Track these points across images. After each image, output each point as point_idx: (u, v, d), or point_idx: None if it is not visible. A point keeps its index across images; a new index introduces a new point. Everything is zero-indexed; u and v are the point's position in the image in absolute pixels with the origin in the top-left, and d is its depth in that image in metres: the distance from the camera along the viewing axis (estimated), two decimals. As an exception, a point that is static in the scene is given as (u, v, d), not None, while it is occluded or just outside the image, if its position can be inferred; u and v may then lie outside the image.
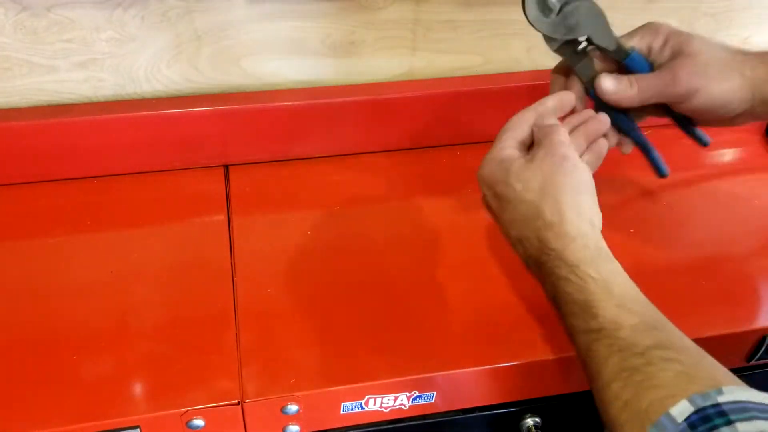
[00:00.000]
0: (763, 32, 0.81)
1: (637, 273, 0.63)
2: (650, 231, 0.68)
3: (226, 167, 0.73)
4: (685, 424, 0.36)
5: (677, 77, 0.53)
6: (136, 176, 0.71)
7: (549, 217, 0.48)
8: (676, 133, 0.60)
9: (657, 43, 0.55)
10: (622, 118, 0.57)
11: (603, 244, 0.48)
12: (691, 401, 0.37)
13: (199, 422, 0.52)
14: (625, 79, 0.55)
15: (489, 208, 0.53)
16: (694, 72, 0.52)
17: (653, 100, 0.54)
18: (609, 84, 0.55)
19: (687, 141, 0.79)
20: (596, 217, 0.49)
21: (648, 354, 0.41)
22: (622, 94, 0.54)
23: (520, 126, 0.53)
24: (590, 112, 0.55)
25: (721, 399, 0.36)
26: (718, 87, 0.52)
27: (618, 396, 0.41)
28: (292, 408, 0.53)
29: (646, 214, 0.71)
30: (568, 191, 0.48)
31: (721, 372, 0.40)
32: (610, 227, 0.68)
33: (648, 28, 0.56)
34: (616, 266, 0.48)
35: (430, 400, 0.56)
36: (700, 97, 0.53)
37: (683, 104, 0.54)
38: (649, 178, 0.72)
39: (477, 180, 0.53)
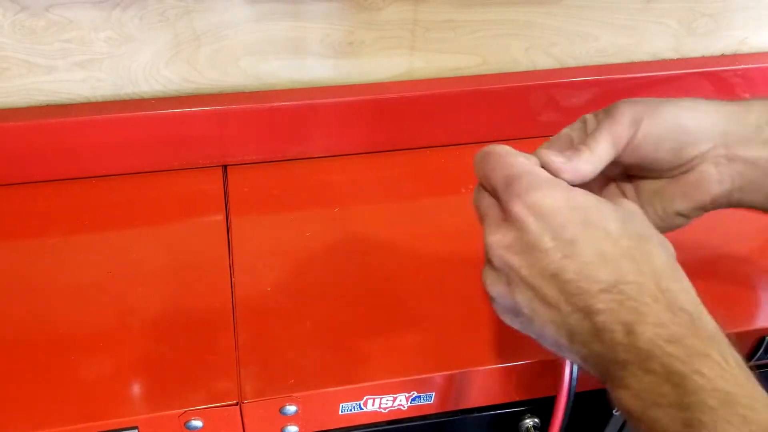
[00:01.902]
0: (761, 33, 0.81)
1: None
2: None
3: (225, 167, 0.73)
4: None
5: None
6: (135, 176, 0.71)
7: (666, 264, 0.38)
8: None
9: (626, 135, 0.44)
10: None
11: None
12: None
13: (197, 423, 0.52)
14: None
15: (528, 246, 0.38)
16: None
17: None
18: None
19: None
20: None
21: None
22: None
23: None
24: None
25: None
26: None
27: None
28: (291, 408, 0.53)
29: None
30: (670, 246, 0.40)
31: None
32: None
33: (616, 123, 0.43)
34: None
35: (429, 401, 0.56)
36: None
37: None
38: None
39: (513, 209, 0.39)
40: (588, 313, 0.37)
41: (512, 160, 0.41)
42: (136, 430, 0.51)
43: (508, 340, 0.57)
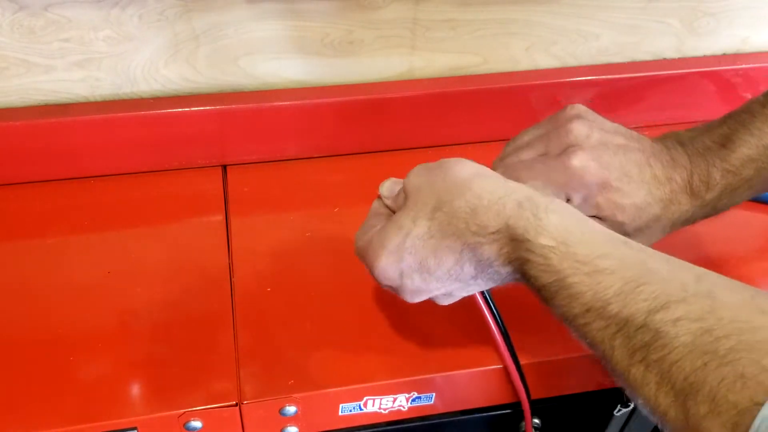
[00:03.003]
0: (763, 32, 0.81)
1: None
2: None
3: (224, 167, 0.73)
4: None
5: None
6: (134, 176, 0.71)
7: (465, 203, 0.41)
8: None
9: (578, 198, 0.48)
10: None
11: (533, 192, 0.41)
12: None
13: (196, 424, 0.52)
14: None
15: (428, 281, 0.45)
16: (625, 230, 0.49)
17: None
18: None
19: (687, 141, 0.79)
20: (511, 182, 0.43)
21: (650, 323, 0.34)
22: None
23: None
24: None
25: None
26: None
27: (644, 380, 0.35)
28: (291, 409, 0.53)
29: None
30: (454, 170, 0.43)
31: (748, 293, 0.34)
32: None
33: (570, 176, 0.48)
34: (563, 213, 0.40)
35: (429, 402, 0.56)
36: None
37: None
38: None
39: (382, 281, 0.46)
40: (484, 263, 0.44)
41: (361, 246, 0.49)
42: (136, 431, 0.51)
43: (508, 341, 0.57)
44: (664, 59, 0.80)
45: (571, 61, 0.78)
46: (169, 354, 0.55)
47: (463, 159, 0.44)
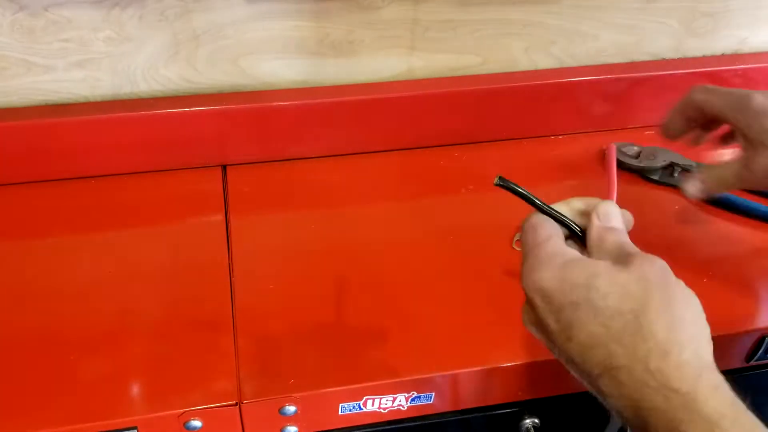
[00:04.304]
0: (761, 33, 0.81)
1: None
2: (650, 231, 0.68)
3: (224, 167, 0.73)
4: None
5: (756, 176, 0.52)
6: (134, 176, 0.71)
7: (663, 337, 0.35)
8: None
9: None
10: None
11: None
12: None
13: (196, 423, 0.52)
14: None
15: (541, 324, 0.40)
16: None
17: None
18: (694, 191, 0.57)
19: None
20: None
21: None
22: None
23: (552, 223, 0.42)
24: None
25: None
26: None
27: None
28: (290, 409, 0.53)
29: (646, 213, 0.70)
30: (682, 304, 0.37)
31: None
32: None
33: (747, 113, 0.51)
34: (754, 418, 0.35)
35: (429, 401, 0.56)
36: None
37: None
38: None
39: (524, 289, 0.40)
40: (599, 393, 0.38)
41: (530, 235, 0.41)
42: (136, 431, 0.51)
43: (507, 340, 0.57)
44: (663, 60, 0.80)
45: (570, 62, 0.78)
46: (170, 353, 0.55)
47: (694, 298, 0.39)
